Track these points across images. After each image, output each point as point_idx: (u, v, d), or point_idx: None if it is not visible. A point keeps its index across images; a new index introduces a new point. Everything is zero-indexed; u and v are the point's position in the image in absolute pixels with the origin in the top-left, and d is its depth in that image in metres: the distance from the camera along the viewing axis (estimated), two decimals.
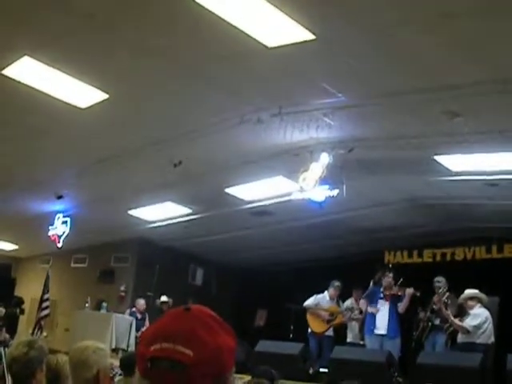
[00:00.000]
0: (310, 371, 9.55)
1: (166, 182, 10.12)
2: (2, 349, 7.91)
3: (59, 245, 12.57)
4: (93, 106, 7.92)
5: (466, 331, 8.66)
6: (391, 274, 10.12)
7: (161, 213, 12.48)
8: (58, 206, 12.09)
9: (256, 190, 10.85)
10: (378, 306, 9.95)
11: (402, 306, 9.84)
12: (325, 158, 8.62)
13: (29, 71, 7.11)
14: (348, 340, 10.81)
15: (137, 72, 7.22)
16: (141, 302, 12.51)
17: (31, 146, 9.42)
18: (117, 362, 5.82)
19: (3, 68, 7.08)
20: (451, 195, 10.32)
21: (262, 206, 11.32)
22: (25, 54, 6.78)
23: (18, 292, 15.65)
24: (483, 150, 8.24)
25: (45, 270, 14.43)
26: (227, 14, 5.81)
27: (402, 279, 10.01)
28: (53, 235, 12.50)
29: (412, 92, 6.95)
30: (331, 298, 11.14)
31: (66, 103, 7.84)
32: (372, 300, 10.11)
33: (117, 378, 5.72)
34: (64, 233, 12.38)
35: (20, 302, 12.21)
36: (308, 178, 8.73)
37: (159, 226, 13.01)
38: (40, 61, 6.89)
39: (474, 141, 7.63)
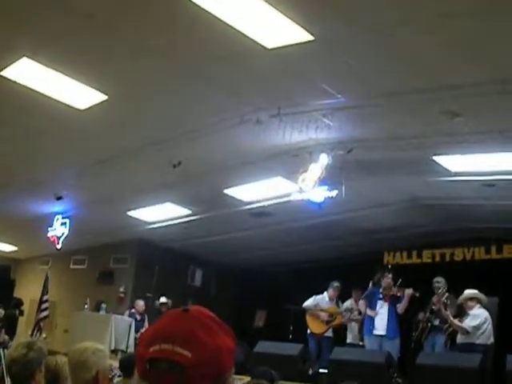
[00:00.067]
0: (310, 372, 9.55)
1: (165, 183, 10.12)
2: (1, 350, 7.91)
3: (58, 246, 12.56)
4: (92, 108, 7.91)
5: (466, 332, 8.66)
6: (390, 275, 10.12)
7: (160, 214, 12.48)
8: (57, 207, 12.09)
9: (255, 191, 10.85)
10: (377, 306, 9.95)
11: (401, 307, 9.84)
12: (324, 159, 8.62)
13: (27, 72, 7.10)
14: (348, 341, 10.82)
15: (136, 72, 7.22)
16: (140, 303, 12.50)
17: (30, 146, 9.42)
18: (116, 363, 5.81)
19: (2, 69, 7.07)
20: (450, 196, 10.33)
21: (261, 206, 11.32)
22: (24, 56, 6.77)
23: (17, 293, 15.66)
24: (483, 150, 8.24)
25: (44, 271, 14.42)
26: (227, 14, 5.81)
27: (400, 280, 10.02)
28: (52, 236, 12.50)
29: (412, 92, 6.95)
30: (330, 299, 11.13)
31: (64, 104, 7.84)
32: (371, 301, 10.11)
33: (116, 380, 5.71)
34: (63, 234, 12.38)
35: (19, 303, 12.22)
36: (307, 179, 8.73)
37: (158, 227, 13.00)
38: (39, 62, 6.88)
39: (473, 141, 7.63)
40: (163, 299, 12.73)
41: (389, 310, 9.86)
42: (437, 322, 9.36)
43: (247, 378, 6.06)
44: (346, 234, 12.69)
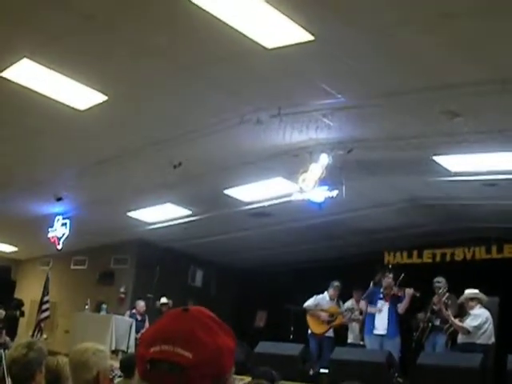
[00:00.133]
0: (310, 372, 9.55)
1: (165, 183, 10.11)
2: (2, 351, 7.91)
3: (59, 247, 12.56)
4: (92, 108, 7.91)
5: (467, 332, 8.66)
6: (391, 275, 10.13)
7: (160, 214, 12.47)
8: (57, 208, 12.09)
9: (255, 191, 10.84)
10: (378, 306, 9.95)
11: (401, 307, 9.84)
12: (324, 159, 8.62)
13: (28, 73, 7.10)
14: (349, 341, 10.82)
15: (136, 72, 7.22)
16: (141, 304, 12.50)
17: (31, 146, 9.42)
18: (117, 364, 5.82)
19: (2, 70, 7.07)
20: (450, 196, 10.32)
21: (261, 207, 11.31)
22: (24, 57, 6.77)
23: (17, 294, 15.66)
24: (483, 150, 8.24)
25: (44, 272, 14.41)
26: (227, 14, 5.81)
27: (403, 275, 9.99)
28: (52, 237, 12.50)
29: (412, 92, 6.94)
30: (331, 299, 11.13)
31: (65, 105, 7.84)
32: (372, 300, 10.12)
33: (116, 380, 5.71)
34: (64, 235, 12.38)
35: (20, 304, 12.19)
36: (307, 179, 8.72)
37: (159, 228, 13.00)
38: (39, 63, 6.88)
39: (473, 141, 7.63)
40: (164, 299, 12.72)
41: (389, 309, 9.87)
42: (437, 322, 9.36)
43: (248, 378, 6.07)
44: (347, 233, 12.68)
